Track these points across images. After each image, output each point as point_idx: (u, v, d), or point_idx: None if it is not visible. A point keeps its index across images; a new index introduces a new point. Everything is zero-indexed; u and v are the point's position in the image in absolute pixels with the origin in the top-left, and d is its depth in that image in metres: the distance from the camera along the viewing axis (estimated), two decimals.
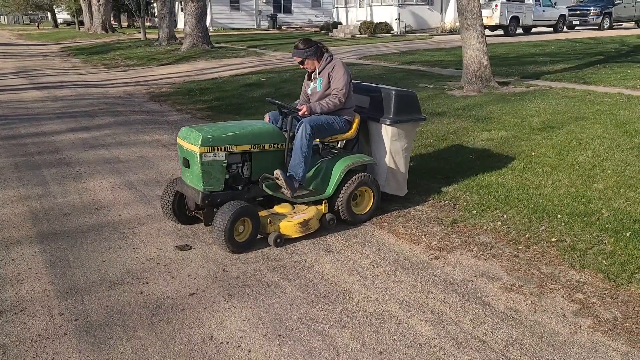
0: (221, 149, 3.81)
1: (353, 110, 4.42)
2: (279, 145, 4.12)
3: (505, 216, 4.31)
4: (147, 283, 3.38)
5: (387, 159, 4.52)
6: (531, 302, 3.15)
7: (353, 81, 4.50)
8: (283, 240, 3.88)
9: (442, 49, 17.47)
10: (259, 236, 3.89)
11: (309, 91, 4.50)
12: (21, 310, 3.07)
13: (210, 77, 12.95)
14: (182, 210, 4.20)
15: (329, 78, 4.30)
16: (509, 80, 10.66)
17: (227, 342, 2.78)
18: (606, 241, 3.80)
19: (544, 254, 3.71)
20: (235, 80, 12.22)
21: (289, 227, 3.90)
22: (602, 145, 5.96)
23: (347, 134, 4.41)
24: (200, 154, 3.73)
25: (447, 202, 4.70)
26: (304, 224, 3.95)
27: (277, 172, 3.92)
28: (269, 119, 4.38)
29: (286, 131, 4.16)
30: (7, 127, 7.92)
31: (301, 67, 4.41)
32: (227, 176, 3.95)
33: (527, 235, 3.98)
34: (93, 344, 2.76)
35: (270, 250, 3.82)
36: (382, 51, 17.42)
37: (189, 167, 3.89)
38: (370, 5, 27.51)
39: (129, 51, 20.03)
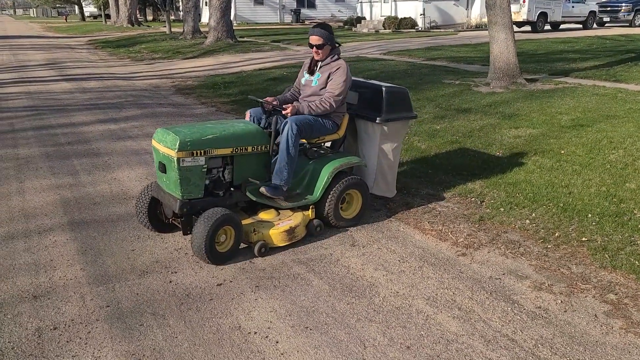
0: (201, 153, 3.51)
1: (343, 112, 4.18)
2: (263, 147, 3.83)
3: (533, 214, 4.25)
4: (176, 272, 3.42)
5: (376, 159, 4.29)
6: (561, 301, 3.10)
7: None
8: (268, 249, 3.64)
9: (468, 45, 17.27)
10: (242, 245, 3.67)
11: (303, 81, 4.24)
12: (55, 296, 3.14)
13: (234, 70, 13.02)
14: (158, 217, 3.94)
15: (328, 77, 4.03)
16: (537, 77, 10.49)
17: (255, 333, 2.81)
18: (639, 242, 3.72)
19: (574, 254, 3.65)
20: (259, 74, 12.27)
21: (274, 235, 3.67)
22: (634, 145, 5.82)
23: (335, 134, 4.17)
24: (178, 159, 3.43)
25: (473, 199, 4.65)
26: (290, 231, 3.72)
27: (263, 190, 3.74)
28: (250, 116, 4.08)
29: (270, 131, 3.87)
30: (37, 117, 8.10)
31: (314, 50, 4.05)
32: (207, 182, 3.67)
33: (556, 234, 3.92)
34: (124, 330, 2.82)
35: (296, 243, 3.83)
36: (406, 47, 17.29)
37: (165, 173, 3.59)
38: (394, 1, 27.31)
39: (155, 44, 20.26)
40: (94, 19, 52.87)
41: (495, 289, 3.24)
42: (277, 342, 2.73)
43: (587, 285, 3.26)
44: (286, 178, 3.82)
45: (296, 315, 2.97)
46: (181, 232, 3.70)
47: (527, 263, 3.56)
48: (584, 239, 3.83)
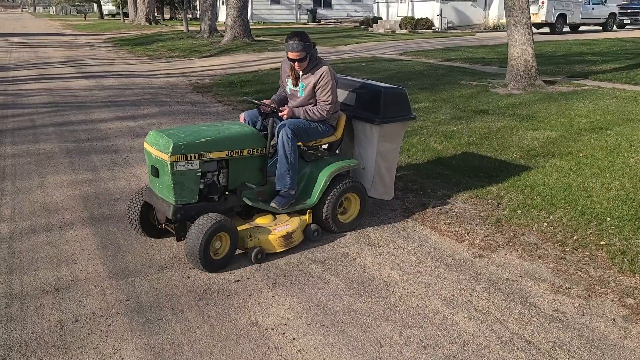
0: (195, 156, 3.39)
1: (337, 114, 4.08)
2: (259, 149, 3.71)
3: (551, 217, 4.23)
4: (194, 268, 3.46)
5: (374, 161, 4.21)
6: (579, 305, 3.08)
7: (339, 75, 4.22)
8: (264, 256, 3.56)
9: (486, 46, 17.16)
10: (238, 251, 3.58)
11: (288, 90, 4.07)
12: (76, 289, 3.20)
13: (250, 69, 13.09)
14: (151, 222, 3.83)
15: (314, 87, 3.87)
16: (556, 80, 10.39)
17: (272, 329, 2.84)
18: None
19: (592, 257, 3.63)
20: (275, 73, 12.29)
21: (270, 241, 3.59)
22: None
23: (332, 137, 4.09)
24: (172, 163, 3.31)
25: (490, 200, 4.63)
26: (287, 237, 3.64)
27: (274, 205, 3.70)
28: (245, 119, 4.00)
29: (266, 133, 3.78)
30: (58, 114, 8.23)
31: (296, 65, 3.82)
32: (201, 186, 3.54)
33: (574, 238, 3.90)
34: (144, 324, 2.87)
35: (313, 242, 3.85)
36: (423, 47, 17.24)
37: (158, 177, 3.47)
38: (411, 1, 27.22)
39: (172, 43, 20.42)
40: (112, 17, 53.48)
41: (512, 291, 3.23)
42: (294, 339, 2.76)
43: (605, 289, 3.24)
44: (290, 183, 3.74)
45: (313, 312, 2.99)
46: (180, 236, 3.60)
47: (544, 266, 3.54)
48: (602, 242, 3.79)
